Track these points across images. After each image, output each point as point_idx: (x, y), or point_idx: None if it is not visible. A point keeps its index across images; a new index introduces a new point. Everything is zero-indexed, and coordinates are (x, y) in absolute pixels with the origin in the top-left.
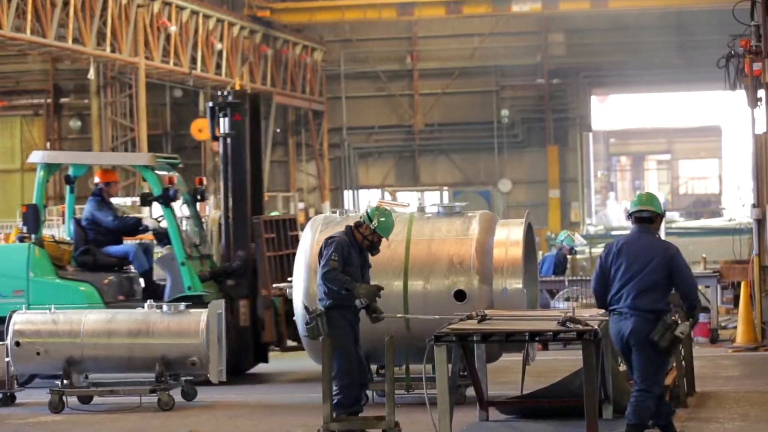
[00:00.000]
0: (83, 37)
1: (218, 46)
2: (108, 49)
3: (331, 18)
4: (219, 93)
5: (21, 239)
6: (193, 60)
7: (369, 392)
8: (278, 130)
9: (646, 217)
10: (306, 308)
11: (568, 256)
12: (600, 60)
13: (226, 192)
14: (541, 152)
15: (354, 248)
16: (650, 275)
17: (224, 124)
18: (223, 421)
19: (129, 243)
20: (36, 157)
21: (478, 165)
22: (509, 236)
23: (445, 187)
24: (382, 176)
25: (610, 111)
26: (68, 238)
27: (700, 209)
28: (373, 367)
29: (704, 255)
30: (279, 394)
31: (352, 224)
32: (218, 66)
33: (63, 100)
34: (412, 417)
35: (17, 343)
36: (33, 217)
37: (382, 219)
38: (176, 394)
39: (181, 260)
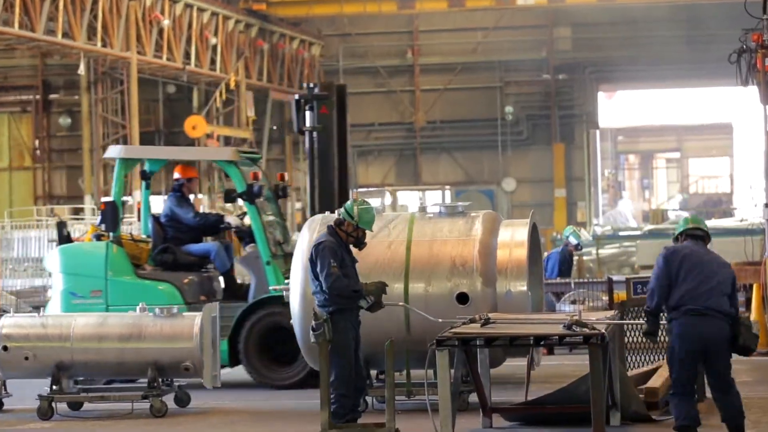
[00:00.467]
0: (73, 31)
1: (213, 40)
2: (99, 43)
3: (329, 11)
4: (305, 85)
5: (98, 237)
6: (187, 55)
7: (368, 398)
8: (274, 128)
9: (700, 235)
10: (315, 314)
11: (575, 253)
12: (607, 55)
13: (312, 188)
14: (547, 150)
15: (342, 248)
16: (725, 282)
17: (310, 118)
18: (218, 428)
19: (210, 241)
20: (113, 152)
21: (481, 163)
22: (513, 237)
23: (448, 186)
24: (383, 175)
25: (618, 107)
26: (144, 236)
27: (711, 209)
28: (373, 373)
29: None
30: (277, 399)
31: (333, 224)
32: (213, 61)
33: (52, 96)
34: (413, 424)
35: (5, 348)
36: (111, 215)
37: (363, 212)
38: (169, 400)
39: (267, 259)
